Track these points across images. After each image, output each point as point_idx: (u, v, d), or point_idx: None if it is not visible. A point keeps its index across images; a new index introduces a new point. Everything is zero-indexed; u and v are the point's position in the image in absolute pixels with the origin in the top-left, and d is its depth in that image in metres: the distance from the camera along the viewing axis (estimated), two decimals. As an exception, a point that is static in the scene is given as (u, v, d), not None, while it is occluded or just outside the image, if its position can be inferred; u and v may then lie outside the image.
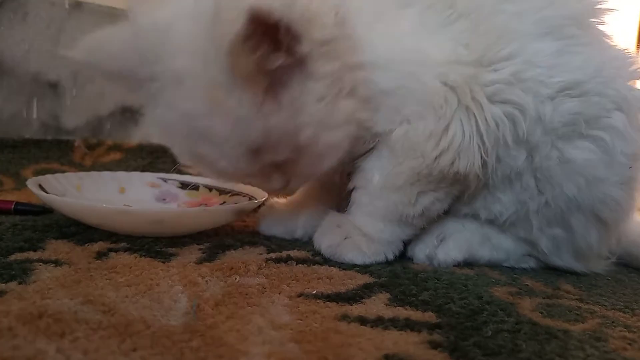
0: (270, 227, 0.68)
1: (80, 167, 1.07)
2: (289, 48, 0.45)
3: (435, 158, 0.55)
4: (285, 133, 0.49)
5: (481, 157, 0.56)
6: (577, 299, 0.54)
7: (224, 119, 0.48)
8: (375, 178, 0.58)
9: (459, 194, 0.60)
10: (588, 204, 0.59)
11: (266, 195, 0.70)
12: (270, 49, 0.45)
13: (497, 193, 0.61)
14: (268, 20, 0.42)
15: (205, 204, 0.72)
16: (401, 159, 0.56)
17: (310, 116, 0.49)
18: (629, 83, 0.60)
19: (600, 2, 0.61)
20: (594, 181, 0.58)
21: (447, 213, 0.63)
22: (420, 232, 0.63)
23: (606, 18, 0.61)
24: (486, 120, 0.55)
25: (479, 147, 0.56)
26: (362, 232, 0.59)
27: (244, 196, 0.72)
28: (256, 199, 0.68)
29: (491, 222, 0.64)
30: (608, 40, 0.61)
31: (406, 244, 0.63)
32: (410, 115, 0.55)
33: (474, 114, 0.55)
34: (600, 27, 0.61)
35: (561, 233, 0.62)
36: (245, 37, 0.42)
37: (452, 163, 0.55)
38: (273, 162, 0.52)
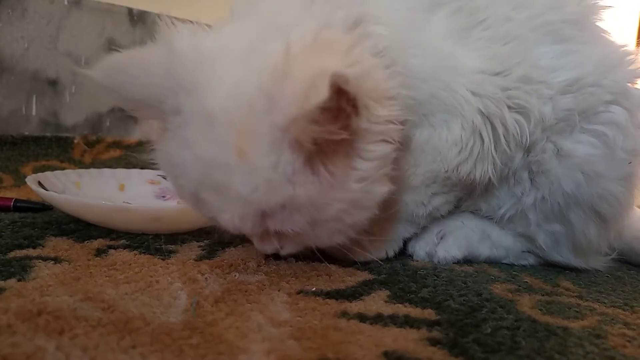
0: None
1: (80, 164, 1.07)
2: (347, 121, 0.41)
3: (457, 166, 0.55)
4: (312, 205, 0.43)
5: (494, 164, 0.56)
6: (576, 296, 0.55)
7: (247, 177, 0.41)
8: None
9: (465, 195, 0.61)
10: (587, 200, 0.59)
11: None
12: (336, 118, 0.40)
13: (493, 189, 0.61)
14: (348, 89, 0.37)
15: None
16: (419, 161, 0.56)
17: (347, 194, 0.44)
18: (629, 83, 0.60)
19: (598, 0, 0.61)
20: (593, 176, 0.58)
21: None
22: (420, 230, 0.63)
23: (605, 15, 0.61)
24: (505, 128, 0.55)
25: (493, 156, 0.56)
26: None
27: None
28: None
29: (491, 218, 0.64)
30: (607, 37, 0.62)
31: (406, 241, 0.63)
32: (436, 123, 0.55)
33: (494, 123, 0.55)
34: (599, 24, 0.61)
35: (559, 228, 0.62)
36: (328, 106, 0.37)
37: (470, 172, 0.56)
38: (279, 230, 0.46)
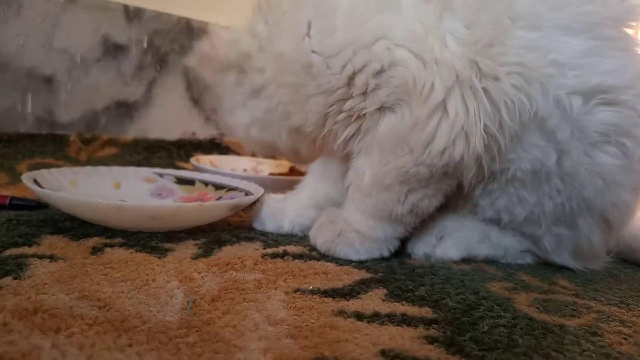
0: (263, 222, 0.68)
1: (76, 162, 1.06)
2: None
3: (425, 147, 0.53)
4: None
5: (484, 141, 0.53)
6: (573, 294, 0.55)
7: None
8: (366, 176, 0.57)
9: (452, 188, 0.59)
10: (600, 206, 0.59)
11: (262, 190, 0.70)
12: None
13: (522, 192, 0.59)
14: None
15: (202, 200, 0.72)
16: (389, 157, 0.55)
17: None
18: None
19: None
20: (612, 185, 0.57)
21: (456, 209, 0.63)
22: (420, 230, 0.63)
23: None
24: (493, 100, 0.53)
25: (480, 130, 0.53)
26: (355, 229, 0.60)
27: (240, 191, 0.71)
28: (252, 194, 0.68)
29: (497, 221, 0.63)
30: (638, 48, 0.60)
31: (405, 240, 0.63)
32: (393, 104, 0.54)
33: (478, 92, 0.52)
34: (631, 32, 0.59)
35: (565, 232, 0.62)
36: None
37: (444, 150, 0.53)
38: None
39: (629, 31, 0.59)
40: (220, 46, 0.66)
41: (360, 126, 0.58)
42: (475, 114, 0.53)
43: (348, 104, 0.56)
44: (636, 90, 0.56)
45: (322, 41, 0.55)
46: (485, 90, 0.53)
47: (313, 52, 0.56)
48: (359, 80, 0.54)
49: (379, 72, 0.54)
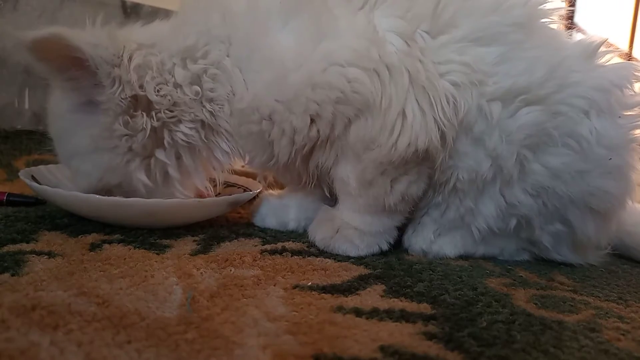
0: (263, 219, 0.68)
1: (73, 159, 1.06)
2: None
3: (392, 145, 0.54)
4: None
5: (438, 129, 0.54)
6: (571, 290, 0.55)
7: None
8: (351, 181, 0.58)
9: (432, 170, 0.59)
10: (579, 197, 0.59)
11: (260, 187, 0.70)
12: None
13: (467, 201, 0.60)
14: None
15: (200, 196, 0.71)
16: (363, 155, 0.56)
17: None
18: (592, 71, 0.59)
19: (544, 2, 0.60)
20: (577, 175, 0.58)
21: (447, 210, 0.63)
22: (418, 226, 0.63)
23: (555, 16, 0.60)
24: (439, 95, 0.54)
25: (434, 119, 0.54)
26: (353, 226, 0.60)
27: (238, 188, 0.71)
28: (251, 191, 0.68)
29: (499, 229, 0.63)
30: (561, 39, 0.60)
31: (402, 234, 0.63)
32: (356, 115, 0.54)
33: (427, 90, 0.53)
34: (552, 26, 0.60)
35: (561, 227, 0.62)
36: None
37: (409, 144, 0.54)
38: None
39: (547, 27, 0.60)
40: None
41: (327, 142, 0.58)
42: (428, 112, 0.54)
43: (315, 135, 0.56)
44: (556, 81, 0.57)
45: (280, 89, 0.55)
46: (432, 86, 0.54)
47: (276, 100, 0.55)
48: (326, 112, 0.54)
49: (341, 99, 0.54)
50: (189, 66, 0.58)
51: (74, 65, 0.55)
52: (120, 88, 0.56)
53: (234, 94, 0.58)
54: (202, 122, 0.60)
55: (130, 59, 0.57)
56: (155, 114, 0.58)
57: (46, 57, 0.55)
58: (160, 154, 0.60)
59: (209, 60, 0.58)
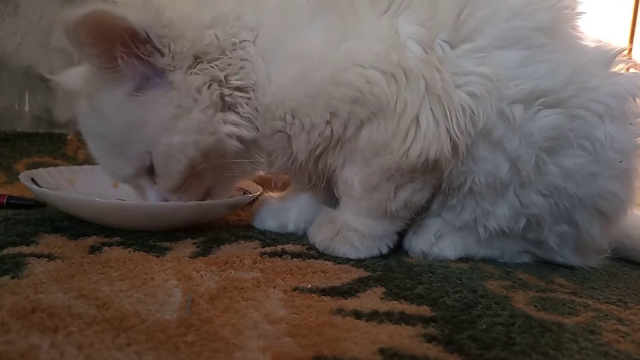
0: (263, 221, 0.68)
1: (73, 161, 1.06)
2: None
3: (404, 153, 0.54)
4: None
5: (451, 140, 0.55)
6: (570, 293, 0.55)
7: None
8: (355, 183, 0.58)
9: (438, 180, 0.59)
10: (589, 199, 0.59)
11: (260, 189, 0.70)
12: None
13: (484, 203, 0.60)
14: None
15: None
16: (372, 160, 0.56)
17: None
18: (610, 78, 0.59)
19: (570, 7, 0.60)
20: (589, 176, 0.58)
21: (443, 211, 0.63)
22: (419, 228, 0.63)
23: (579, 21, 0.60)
24: (454, 105, 0.54)
25: (447, 130, 0.54)
26: (353, 228, 0.60)
27: (238, 190, 0.71)
28: (250, 193, 0.68)
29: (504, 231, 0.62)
30: (582, 43, 0.60)
31: (402, 236, 0.63)
32: (369, 117, 0.55)
33: (443, 99, 0.54)
34: (574, 31, 0.60)
35: (567, 229, 0.62)
36: None
37: (420, 153, 0.54)
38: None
39: (570, 31, 0.60)
40: None
41: (338, 143, 0.58)
42: (442, 122, 0.54)
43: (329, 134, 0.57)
44: (577, 84, 0.57)
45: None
46: (448, 96, 0.54)
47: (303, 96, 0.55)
48: (342, 110, 0.55)
49: (358, 99, 0.54)
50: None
51: (120, 45, 0.53)
52: (176, 44, 0.54)
53: (257, 86, 0.57)
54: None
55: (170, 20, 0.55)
56: (210, 63, 0.56)
57: (92, 40, 0.52)
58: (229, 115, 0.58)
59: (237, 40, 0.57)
